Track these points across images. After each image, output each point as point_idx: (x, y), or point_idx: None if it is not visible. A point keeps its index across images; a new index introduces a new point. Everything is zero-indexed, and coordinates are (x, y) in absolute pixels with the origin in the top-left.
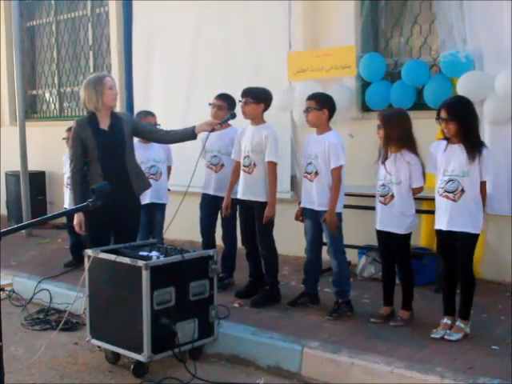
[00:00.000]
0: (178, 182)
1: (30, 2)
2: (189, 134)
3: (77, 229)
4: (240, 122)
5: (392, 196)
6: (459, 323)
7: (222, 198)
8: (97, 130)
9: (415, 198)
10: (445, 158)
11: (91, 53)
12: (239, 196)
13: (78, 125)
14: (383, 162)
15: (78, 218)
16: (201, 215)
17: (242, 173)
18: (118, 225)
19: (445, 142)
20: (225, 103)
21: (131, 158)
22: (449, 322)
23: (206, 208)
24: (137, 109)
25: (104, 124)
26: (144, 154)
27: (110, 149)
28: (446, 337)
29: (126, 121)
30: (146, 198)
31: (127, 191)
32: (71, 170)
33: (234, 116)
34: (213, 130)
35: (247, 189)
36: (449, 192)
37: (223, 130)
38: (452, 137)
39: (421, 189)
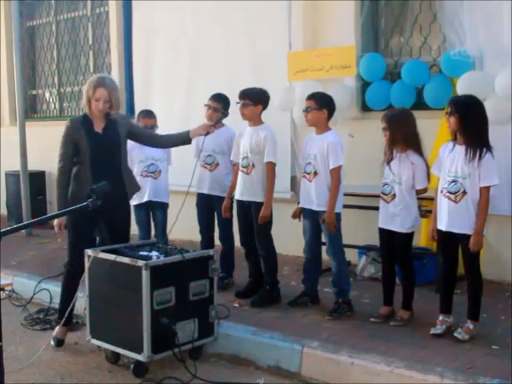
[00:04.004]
0: (177, 182)
1: (30, 2)
2: (183, 139)
3: (56, 229)
4: (237, 123)
5: (394, 195)
6: (469, 324)
7: (217, 197)
8: (90, 132)
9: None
10: (450, 159)
11: (91, 53)
12: (237, 197)
13: (71, 124)
14: (388, 163)
15: (58, 219)
16: (198, 214)
17: (240, 173)
18: (109, 227)
19: (452, 143)
20: (220, 104)
21: (125, 162)
22: (445, 318)
23: (202, 207)
24: (137, 108)
25: (98, 126)
26: (142, 152)
27: (102, 152)
28: (455, 334)
29: (121, 124)
30: (144, 196)
31: (120, 194)
32: (59, 169)
33: (225, 115)
34: (207, 134)
35: (245, 189)
36: (451, 193)
37: (218, 130)
38: (453, 133)
39: (425, 190)
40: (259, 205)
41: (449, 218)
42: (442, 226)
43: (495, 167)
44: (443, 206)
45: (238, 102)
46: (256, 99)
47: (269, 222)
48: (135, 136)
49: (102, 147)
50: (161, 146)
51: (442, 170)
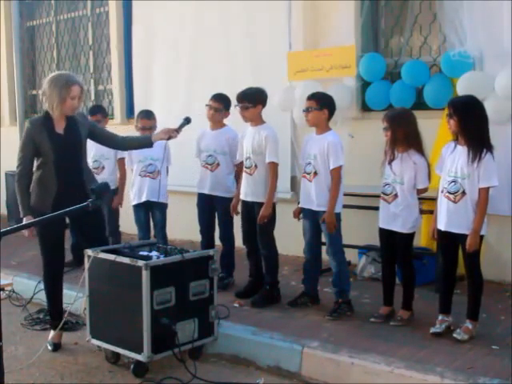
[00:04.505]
0: (177, 182)
1: (29, 2)
2: (145, 142)
3: (26, 234)
4: (238, 123)
5: (396, 195)
6: (468, 324)
7: (218, 197)
8: (52, 133)
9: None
10: (451, 159)
11: (91, 53)
12: (241, 197)
13: (31, 126)
14: (390, 163)
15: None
16: (198, 214)
17: (244, 174)
18: (79, 229)
19: (454, 143)
20: (221, 104)
21: (85, 161)
22: (445, 318)
23: (203, 207)
24: (137, 109)
25: (59, 127)
26: (141, 152)
27: (65, 153)
28: (454, 335)
29: (81, 123)
30: (143, 197)
31: (82, 194)
32: (18, 173)
33: (189, 121)
34: (169, 138)
35: (249, 190)
36: (450, 193)
37: (219, 130)
38: (454, 134)
39: (425, 189)
40: (262, 205)
41: (448, 217)
42: (441, 225)
43: (495, 168)
44: (443, 206)
45: (236, 105)
46: (254, 100)
47: (272, 223)
48: (96, 136)
49: (65, 149)
50: (121, 148)
51: (443, 169)
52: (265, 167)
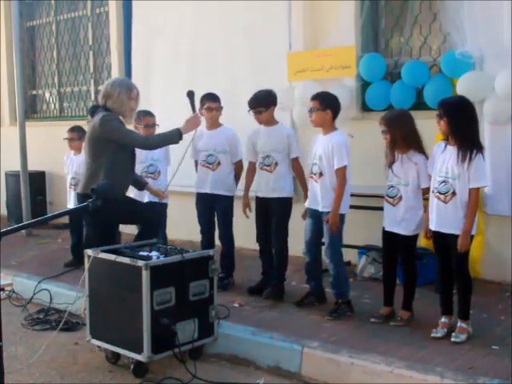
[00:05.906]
0: (176, 182)
1: (30, 2)
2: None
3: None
4: (235, 122)
5: (400, 197)
6: (461, 323)
7: (220, 196)
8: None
9: None
10: (441, 159)
11: (91, 53)
12: (259, 194)
13: (117, 118)
14: (390, 166)
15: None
16: (198, 214)
17: (261, 172)
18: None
19: (444, 143)
20: (219, 103)
21: None
22: (447, 320)
23: (203, 206)
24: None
25: None
26: (142, 153)
27: None
28: (452, 339)
29: None
30: (144, 197)
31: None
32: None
33: (192, 94)
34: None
35: (268, 187)
36: (440, 193)
37: (216, 129)
38: (444, 135)
39: (429, 189)
40: (282, 200)
41: (438, 217)
42: (432, 225)
43: (485, 168)
44: (434, 206)
45: (249, 111)
46: (266, 103)
47: (289, 217)
48: None
49: None
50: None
51: (433, 169)
52: (286, 164)
